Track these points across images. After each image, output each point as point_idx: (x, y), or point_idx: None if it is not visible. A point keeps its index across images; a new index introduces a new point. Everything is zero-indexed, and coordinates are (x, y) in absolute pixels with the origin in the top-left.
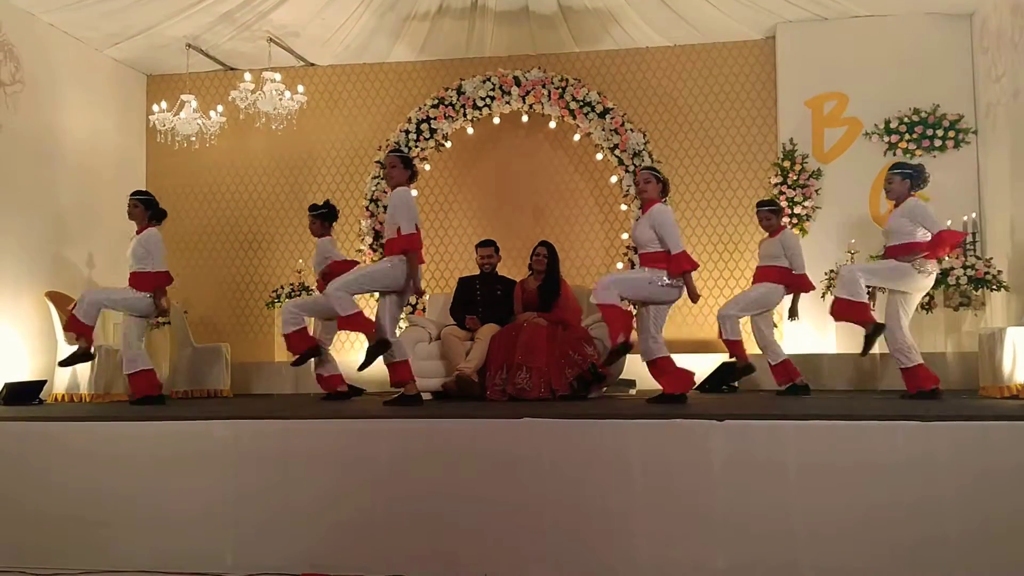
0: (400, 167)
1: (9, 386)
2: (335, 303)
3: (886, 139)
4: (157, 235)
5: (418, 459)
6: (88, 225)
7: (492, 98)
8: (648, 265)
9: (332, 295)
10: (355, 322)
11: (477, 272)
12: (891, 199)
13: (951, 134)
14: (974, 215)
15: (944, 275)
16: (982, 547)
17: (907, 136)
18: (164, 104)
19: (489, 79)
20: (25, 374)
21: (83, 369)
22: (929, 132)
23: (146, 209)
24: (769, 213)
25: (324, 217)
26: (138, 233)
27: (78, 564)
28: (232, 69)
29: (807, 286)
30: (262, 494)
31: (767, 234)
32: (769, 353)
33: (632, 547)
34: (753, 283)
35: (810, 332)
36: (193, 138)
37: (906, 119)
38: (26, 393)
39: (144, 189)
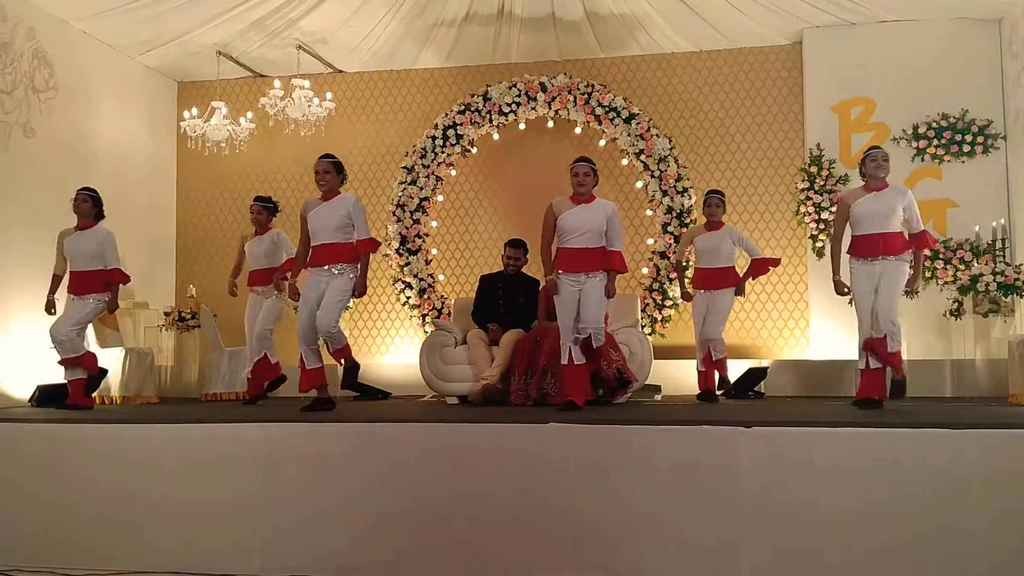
0: (335, 173)
1: (42, 388)
2: (333, 340)
3: (914, 144)
4: (111, 233)
5: (445, 463)
6: (119, 229)
7: (518, 104)
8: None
9: (330, 335)
10: (346, 352)
11: (498, 271)
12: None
13: (980, 139)
14: (1003, 221)
15: (973, 281)
16: (1015, 556)
17: (935, 142)
18: (195, 110)
19: (515, 85)
20: (57, 376)
21: (114, 372)
22: (957, 138)
23: (94, 205)
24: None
25: (273, 211)
26: (82, 229)
27: (108, 565)
28: (262, 76)
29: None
30: (291, 496)
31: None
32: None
33: (658, 553)
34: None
35: (837, 339)
36: (223, 144)
37: (934, 124)
38: (58, 395)
39: (91, 187)
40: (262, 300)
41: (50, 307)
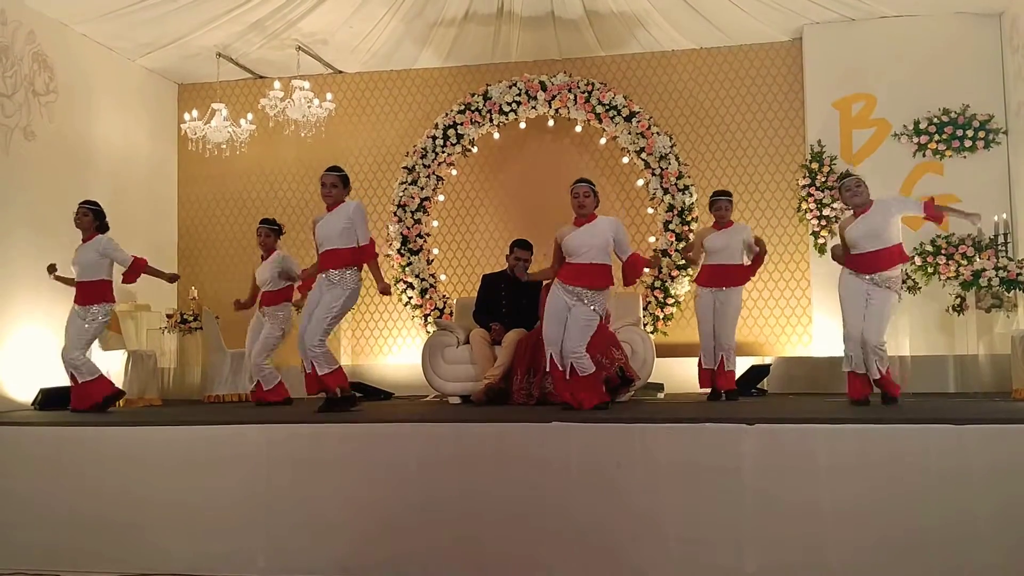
0: (341, 186)
1: (45, 391)
2: (318, 363)
3: (915, 140)
4: (109, 239)
5: (447, 463)
6: (121, 232)
7: (518, 103)
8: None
9: (314, 354)
10: (337, 378)
11: (501, 271)
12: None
13: (981, 134)
14: (1005, 216)
15: (976, 276)
16: (1017, 551)
17: (936, 137)
18: (195, 112)
19: (515, 84)
20: (60, 380)
21: (117, 374)
22: (959, 132)
23: (95, 219)
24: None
25: (279, 233)
26: (85, 241)
27: (112, 567)
28: (261, 77)
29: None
30: (294, 498)
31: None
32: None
33: (662, 551)
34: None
35: (840, 336)
36: (224, 146)
37: (935, 119)
38: (61, 398)
39: (93, 199)
40: (264, 320)
41: (52, 269)
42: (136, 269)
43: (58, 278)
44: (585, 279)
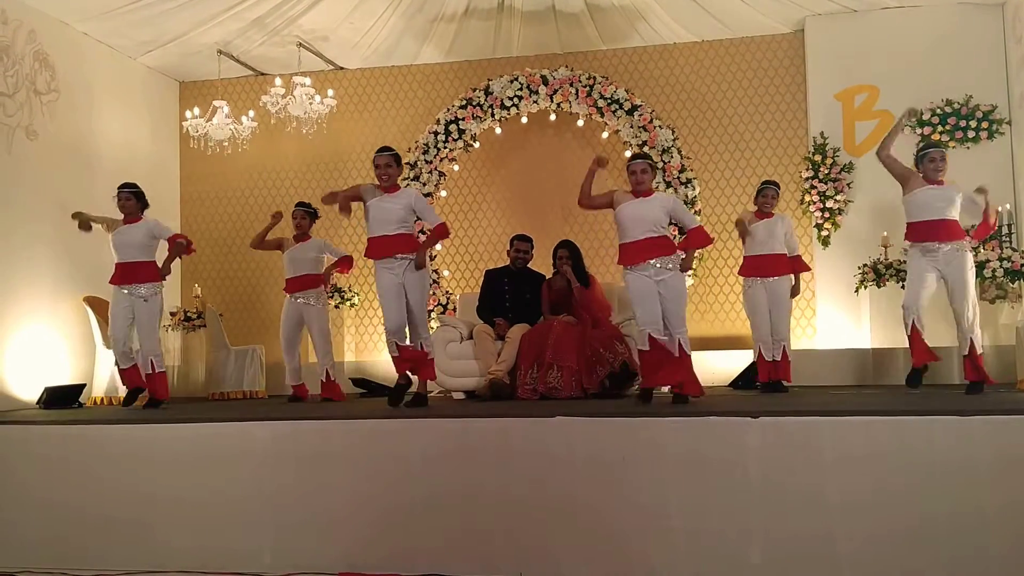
0: (395, 166)
1: (49, 390)
2: (428, 345)
3: (919, 131)
4: (156, 221)
5: (452, 458)
6: None
7: (520, 98)
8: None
9: (426, 338)
10: (430, 368)
11: (503, 266)
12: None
13: (984, 125)
14: (1008, 206)
15: (980, 267)
16: (1023, 542)
17: (940, 128)
18: (196, 110)
19: (517, 79)
20: (65, 378)
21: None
22: (962, 123)
23: (138, 200)
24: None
25: (314, 216)
26: (129, 223)
27: (118, 565)
28: (263, 74)
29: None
30: (299, 494)
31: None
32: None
33: (667, 545)
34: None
35: (844, 328)
36: (225, 143)
37: (939, 111)
38: (66, 397)
39: (131, 182)
40: (302, 307)
41: (86, 225)
42: (178, 239)
43: (83, 222)
44: (654, 251)
